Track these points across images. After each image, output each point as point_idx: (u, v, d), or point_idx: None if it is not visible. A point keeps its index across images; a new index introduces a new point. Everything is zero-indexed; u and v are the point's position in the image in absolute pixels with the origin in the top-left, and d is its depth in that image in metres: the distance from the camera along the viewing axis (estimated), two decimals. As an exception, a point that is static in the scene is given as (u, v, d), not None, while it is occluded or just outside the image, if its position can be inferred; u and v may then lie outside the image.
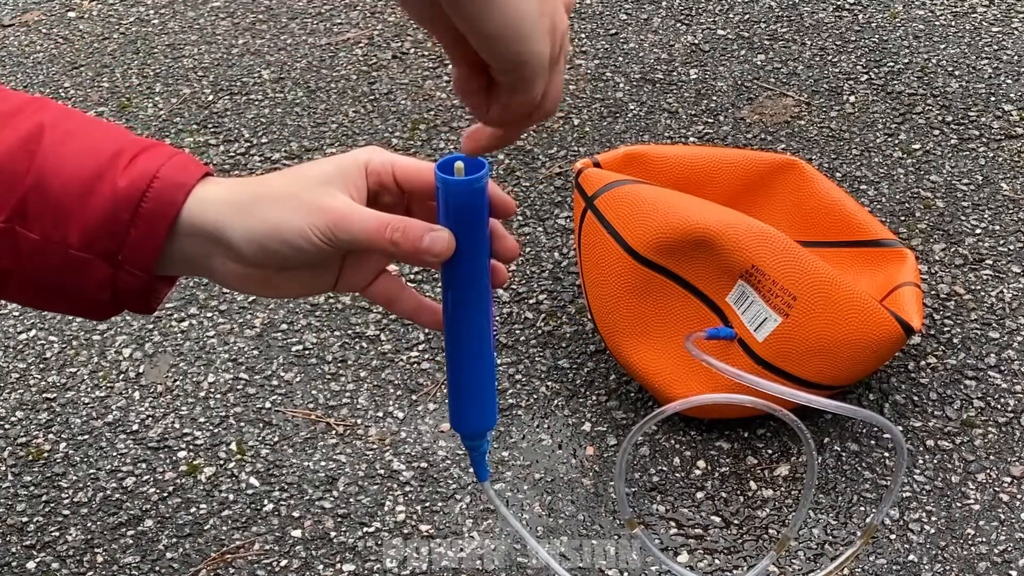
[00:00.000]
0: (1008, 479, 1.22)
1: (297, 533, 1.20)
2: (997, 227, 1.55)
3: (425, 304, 0.67)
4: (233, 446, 1.30)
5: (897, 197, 1.61)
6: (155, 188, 0.60)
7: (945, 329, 1.40)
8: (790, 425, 0.95)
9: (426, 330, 1.43)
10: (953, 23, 2.00)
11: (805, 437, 0.95)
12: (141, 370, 1.41)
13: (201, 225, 0.60)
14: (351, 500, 1.23)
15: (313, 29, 2.08)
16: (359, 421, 1.32)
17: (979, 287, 1.45)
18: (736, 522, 1.19)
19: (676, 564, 1.13)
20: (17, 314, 1.50)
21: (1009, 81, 1.83)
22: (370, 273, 0.66)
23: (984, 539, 1.16)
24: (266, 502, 1.23)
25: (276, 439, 1.30)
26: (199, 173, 0.61)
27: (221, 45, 2.05)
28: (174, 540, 1.19)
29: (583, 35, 2.02)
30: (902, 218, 1.57)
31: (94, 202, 0.60)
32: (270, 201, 0.60)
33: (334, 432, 1.31)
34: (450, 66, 0.55)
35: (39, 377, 1.41)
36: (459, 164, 0.60)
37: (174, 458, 1.29)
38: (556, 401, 1.33)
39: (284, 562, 1.17)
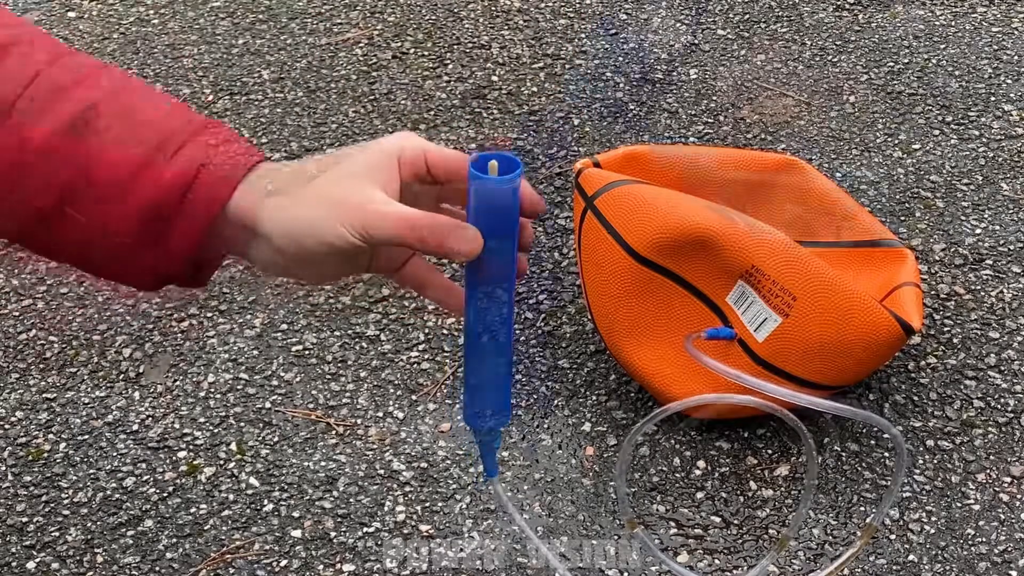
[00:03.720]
0: (1008, 479, 1.22)
1: (297, 533, 1.20)
2: (997, 227, 1.55)
3: (455, 290, 0.68)
4: (233, 446, 1.30)
5: (897, 197, 1.61)
6: (201, 181, 0.61)
7: (945, 329, 1.40)
8: (790, 425, 0.95)
9: (426, 330, 1.43)
10: (953, 23, 2.00)
11: (805, 437, 0.95)
12: (141, 370, 1.41)
13: (240, 218, 0.61)
14: (351, 500, 1.23)
15: (313, 29, 2.08)
16: (359, 421, 1.32)
17: (979, 287, 1.45)
18: (736, 522, 1.19)
19: (676, 564, 1.13)
20: (17, 314, 1.50)
21: (1009, 81, 1.83)
22: (401, 257, 0.67)
23: (984, 539, 1.16)
24: (266, 502, 1.23)
25: (276, 439, 1.30)
26: (247, 165, 0.62)
27: (221, 45, 2.05)
28: (174, 540, 1.19)
29: (583, 35, 2.02)
30: (902, 218, 1.57)
31: (139, 192, 0.60)
32: (306, 198, 0.61)
33: (334, 432, 1.31)
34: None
35: (39, 377, 1.41)
36: (493, 163, 0.60)
37: (174, 458, 1.29)
38: (556, 401, 1.33)
39: (284, 562, 1.17)
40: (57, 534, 1.21)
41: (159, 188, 0.60)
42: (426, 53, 2.00)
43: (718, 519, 1.19)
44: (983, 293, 1.45)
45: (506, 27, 2.05)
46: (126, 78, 0.65)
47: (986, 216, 1.57)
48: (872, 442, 1.26)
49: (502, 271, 0.62)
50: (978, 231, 1.54)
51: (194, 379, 1.39)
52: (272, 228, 0.61)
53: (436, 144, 0.64)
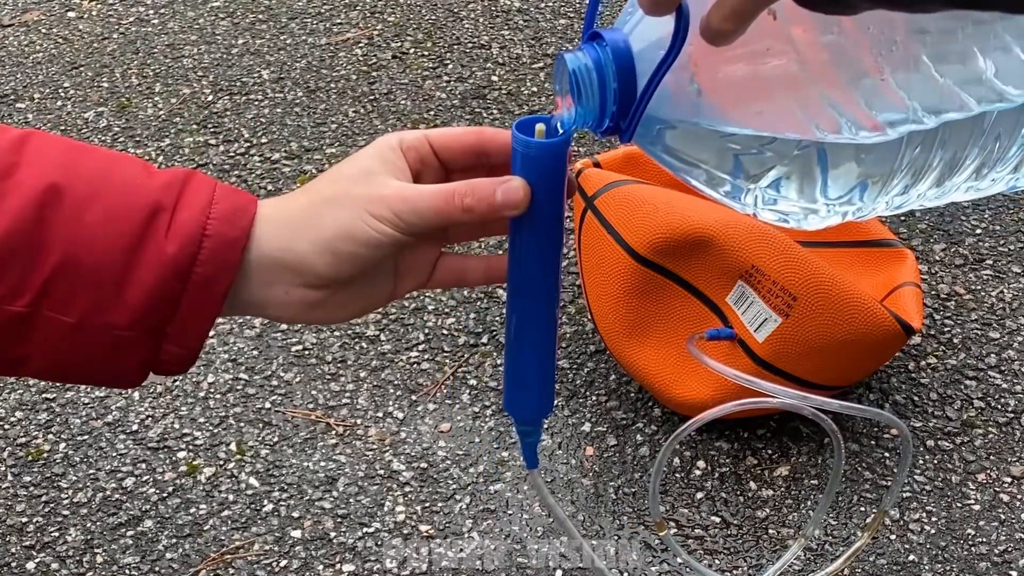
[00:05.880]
0: (1008, 479, 1.22)
1: (297, 533, 1.20)
2: (997, 227, 1.55)
3: (493, 260, 0.62)
4: (233, 446, 1.30)
5: (897, 197, 1.61)
6: (206, 250, 0.54)
7: (945, 329, 1.40)
8: (824, 427, 0.94)
9: (426, 330, 1.43)
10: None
11: (835, 435, 0.93)
12: (141, 370, 1.41)
13: (263, 263, 0.56)
14: (351, 500, 1.23)
15: (313, 29, 2.08)
16: (359, 421, 1.32)
17: (979, 287, 1.45)
18: (736, 522, 1.19)
19: (701, 566, 1.12)
20: (17, 314, 1.50)
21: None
22: (427, 265, 0.62)
23: (984, 539, 1.16)
24: (266, 502, 1.23)
25: (276, 439, 1.30)
26: (247, 219, 0.56)
27: (221, 45, 2.05)
28: (174, 540, 1.19)
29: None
30: (902, 218, 1.57)
31: (141, 275, 0.54)
32: (327, 207, 0.56)
33: (334, 432, 1.31)
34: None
35: (39, 377, 1.40)
36: (540, 126, 0.56)
37: (174, 458, 1.29)
38: (556, 401, 1.33)
39: (284, 562, 1.17)
40: (57, 534, 1.21)
41: (163, 266, 0.54)
42: (426, 53, 2.00)
43: (718, 519, 1.19)
44: (983, 293, 1.45)
45: (506, 27, 2.05)
46: (68, 141, 0.57)
47: (986, 216, 1.57)
48: (872, 442, 1.26)
49: (552, 235, 0.58)
50: (978, 231, 1.54)
51: (194, 379, 1.39)
52: (303, 248, 0.56)
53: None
